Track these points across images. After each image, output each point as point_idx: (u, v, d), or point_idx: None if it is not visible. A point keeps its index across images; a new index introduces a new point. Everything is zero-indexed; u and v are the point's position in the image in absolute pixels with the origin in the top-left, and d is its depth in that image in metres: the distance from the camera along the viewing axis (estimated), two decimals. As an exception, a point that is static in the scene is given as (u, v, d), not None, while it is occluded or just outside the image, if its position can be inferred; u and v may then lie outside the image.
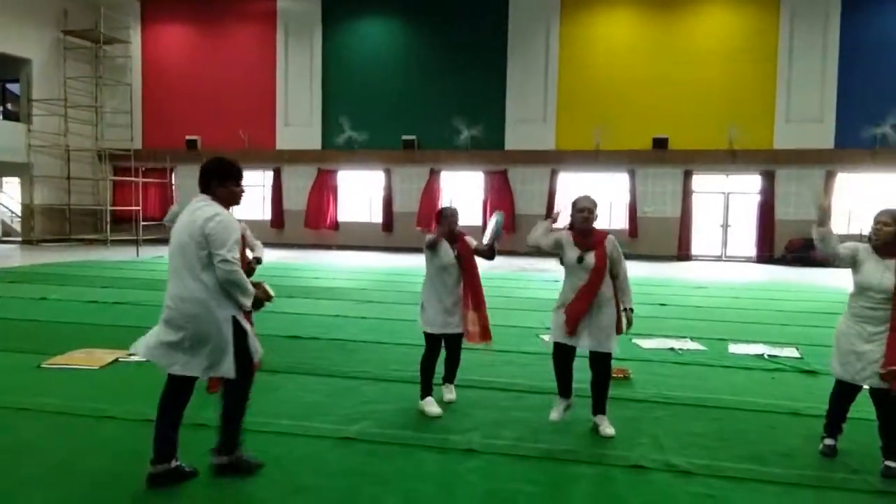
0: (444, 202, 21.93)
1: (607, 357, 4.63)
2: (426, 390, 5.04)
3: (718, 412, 5.13)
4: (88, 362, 6.18)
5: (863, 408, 5.27)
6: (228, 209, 3.67)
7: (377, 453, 4.23)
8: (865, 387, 4.20)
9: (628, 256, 5.04)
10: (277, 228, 22.57)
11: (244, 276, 3.57)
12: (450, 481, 3.85)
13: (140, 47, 23.96)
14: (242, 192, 3.77)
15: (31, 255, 17.89)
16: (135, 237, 20.18)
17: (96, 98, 23.09)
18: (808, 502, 3.67)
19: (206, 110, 23.13)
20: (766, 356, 7.03)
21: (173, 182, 23.26)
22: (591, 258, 4.55)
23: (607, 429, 4.63)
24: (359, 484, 3.79)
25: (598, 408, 4.72)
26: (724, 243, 20.49)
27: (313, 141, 22.66)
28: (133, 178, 22.12)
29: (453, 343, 5.21)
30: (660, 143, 20.11)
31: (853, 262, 4.19)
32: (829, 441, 4.36)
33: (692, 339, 7.81)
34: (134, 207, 21.65)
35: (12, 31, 20.71)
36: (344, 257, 19.26)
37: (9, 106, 24.05)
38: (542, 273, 14.76)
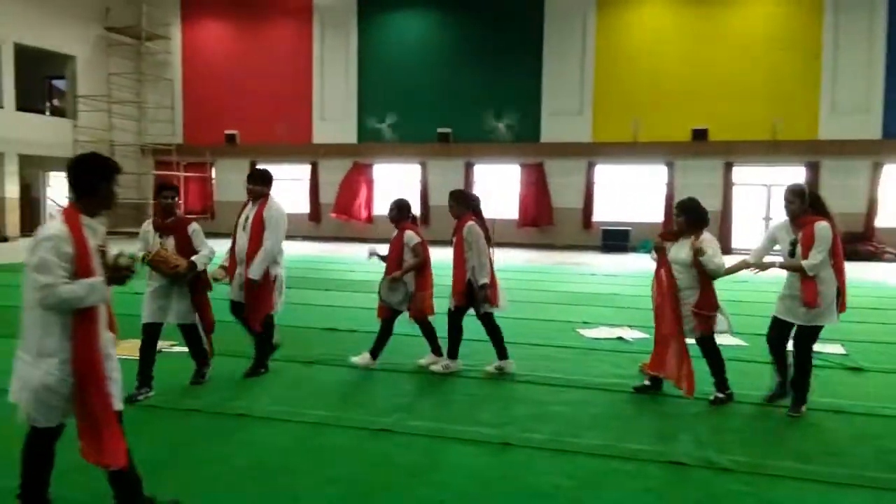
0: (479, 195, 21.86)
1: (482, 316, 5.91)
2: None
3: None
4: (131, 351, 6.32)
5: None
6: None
7: (412, 445, 4.26)
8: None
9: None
10: (314, 221, 22.79)
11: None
12: (487, 476, 3.85)
13: (180, 43, 24.32)
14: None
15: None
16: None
17: (139, 93, 23.57)
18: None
19: (244, 105, 23.37)
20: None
21: (213, 176, 23.67)
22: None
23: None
24: (392, 475, 3.82)
25: (499, 354, 5.92)
26: (766, 236, 19.99)
27: (349, 135, 22.80)
28: (175, 173, 22.51)
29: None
30: (699, 135, 19.74)
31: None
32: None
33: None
34: (175, 201, 22.04)
35: (56, 29, 21.21)
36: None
37: (55, 102, 24.66)
38: (580, 267, 14.59)
